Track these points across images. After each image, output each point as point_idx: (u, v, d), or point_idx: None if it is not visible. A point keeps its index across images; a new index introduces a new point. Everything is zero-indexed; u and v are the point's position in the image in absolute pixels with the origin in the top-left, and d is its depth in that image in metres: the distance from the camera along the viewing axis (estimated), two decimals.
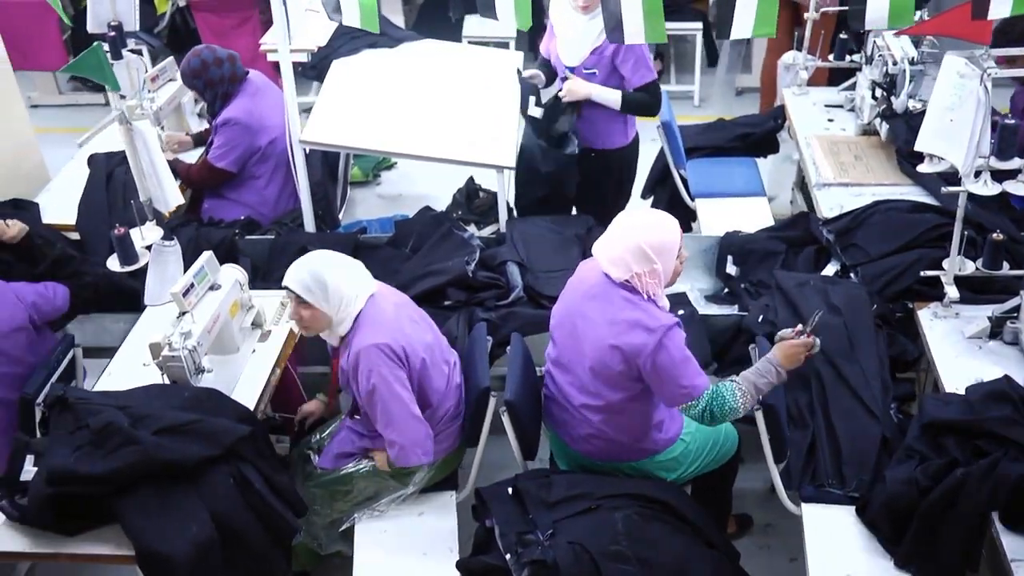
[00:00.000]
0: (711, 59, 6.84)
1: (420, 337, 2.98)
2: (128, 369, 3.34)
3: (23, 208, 4.23)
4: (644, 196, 5.04)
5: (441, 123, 4.29)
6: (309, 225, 4.22)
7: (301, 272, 2.92)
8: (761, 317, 3.48)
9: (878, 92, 4.20)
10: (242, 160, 4.28)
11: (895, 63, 4.09)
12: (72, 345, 3.35)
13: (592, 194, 4.35)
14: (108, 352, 3.81)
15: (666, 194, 4.87)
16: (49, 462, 2.70)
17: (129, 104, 4.38)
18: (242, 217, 4.35)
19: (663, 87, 6.52)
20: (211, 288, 3.27)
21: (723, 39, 5.85)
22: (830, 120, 4.59)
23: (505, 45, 6.27)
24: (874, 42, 4.33)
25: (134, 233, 3.42)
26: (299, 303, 2.94)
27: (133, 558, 2.68)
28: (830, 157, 4.26)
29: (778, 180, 5.28)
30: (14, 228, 3.53)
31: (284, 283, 2.95)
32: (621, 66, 4.01)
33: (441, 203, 4.72)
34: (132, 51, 4.96)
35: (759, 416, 2.98)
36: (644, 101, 4.07)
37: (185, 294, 3.13)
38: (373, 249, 4.12)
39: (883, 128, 4.18)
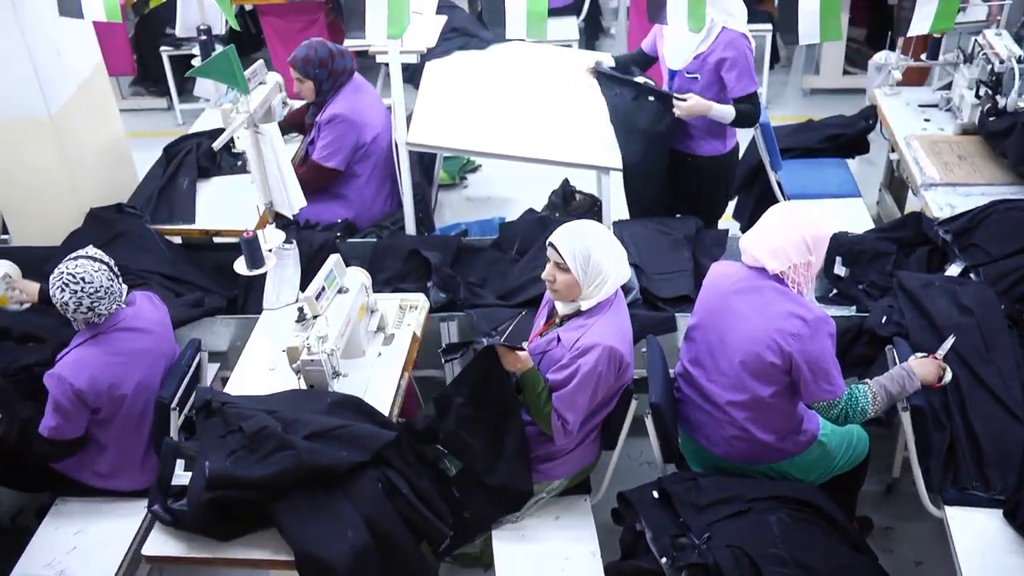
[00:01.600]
0: (775, 59, 6.81)
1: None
2: (254, 373, 3.32)
3: (128, 213, 4.22)
4: (729, 198, 5.01)
5: (540, 124, 4.27)
6: (410, 227, 4.20)
7: (572, 237, 2.90)
8: (885, 318, 3.45)
9: (982, 91, 4.17)
10: (348, 158, 4.26)
11: (1001, 61, 4.06)
12: (198, 349, 3.34)
13: (688, 198, 4.35)
14: (215, 355, 3.83)
15: (753, 196, 4.84)
16: (210, 466, 2.69)
17: (225, 107, 4.42)
18: (339, 220, 4.33)
19: None
20: (339, 292, 3.26)
21: (791, 44, 5.81)
22: (926, 120, 4.56)
23: (568, 46, 6.26)
24: (974, 41, 4.30)
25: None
26: (557, 265, 2.92)
27: (291, 563, 2.67)
28: (932, 157, 4.24)
29: (862, 181, 5.24)
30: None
31: (551, 240, 2.92)
32: (726, 74, 3.99)
33: (528, 205, 4.70)
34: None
35: (905, 417, 2.96)
36: (749, 113, 4.07)
37: (317, 298, 3.12)
38: (476, 252, 4.11)
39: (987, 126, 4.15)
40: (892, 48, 4.73)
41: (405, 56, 4.20)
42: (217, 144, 3.77)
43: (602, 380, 2.88)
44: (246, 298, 4.04)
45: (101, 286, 3.04)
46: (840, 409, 2.86)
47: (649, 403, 3.00)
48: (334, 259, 3.27)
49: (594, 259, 2.87)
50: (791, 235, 2.85)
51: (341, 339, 3.13)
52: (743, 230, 4.44)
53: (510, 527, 3.09)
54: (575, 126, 4.29)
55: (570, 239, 2.90)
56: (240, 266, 3.33)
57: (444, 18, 4.75)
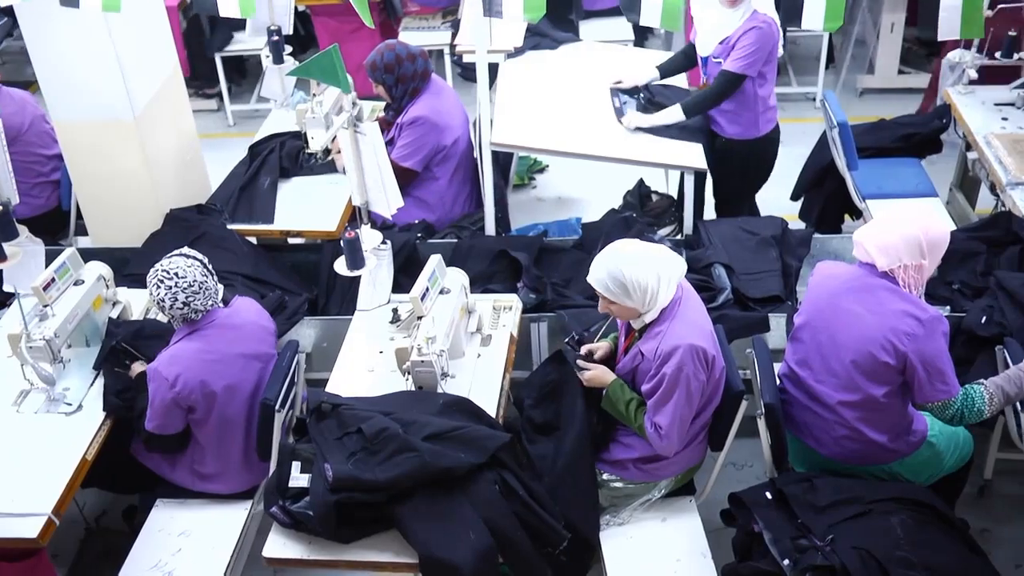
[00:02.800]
0: (829, 60, 6.77)
1: (717, 345, 2.94)
2: (353, 375, 3.31)
3: (207, 213, 4.22)
4: (794, 198, 4.99)
5: (616, 124, 4.25)
6: (490, 228, 4.18)
7: (599, 271, 2.88)
8: (985, 318, 3.43)
9: None
10: (427, 159, 4.24)
11: None
12: (296, 351, 3.32)
13: (718, 180, 4.39)
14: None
15: (822, 196, 4.82)
16: (332, 469, 2.68)
17: (300, 107, 4.42)
18: (415, 221, 4.32)
19: (783, 89, 6.56)
20: (441, 292, 3.24)
21: (929, 37, 5.72)
22: (1004, 119, 4.52)
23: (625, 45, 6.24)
24: None
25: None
26: (604, 298, 2.91)
27: (413, 566, 2.66)
28: (1015, 155, 4.20)
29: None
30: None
31: (588, 279, 2.91)
32: (735, 48, 4.05)
33: (598, 205, 4.69)
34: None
35: None
36: (701, 98, 4.17)
37: (422, 298, 3.11)
38: (559, 252, 4.10)
39: None
40: (967, 47, 4.70)
41: (492, 56, 4.17)
42: (319, 145, 3.77)
43: (691, 379, 2.84)
44: (327, 299, 4.04)
45: (195, 280, 3.05)
46: (956, 410, 2.84)
47: (763, 403, 2.98)
48: (436, 259, 3.26)
49: (629, 280, 2.82)
50: (906, 235, 2.83)
51: (447, 340, 3.11)
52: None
53: (617, 528, 3.07)
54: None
55: (598, 272, 2.88)
56: (340, 267, 3.31)
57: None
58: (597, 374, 2.98)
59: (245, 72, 7.44)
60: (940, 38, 3.15)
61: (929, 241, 2.81)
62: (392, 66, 4.16)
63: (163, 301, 3.05)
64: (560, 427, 3.06)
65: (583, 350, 3.12)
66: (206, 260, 3.18)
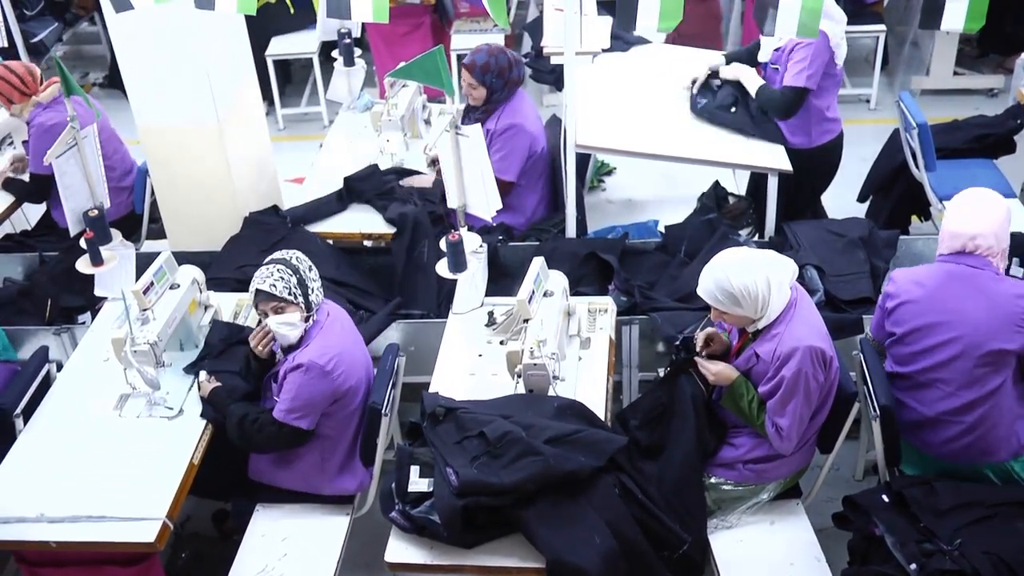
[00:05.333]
0: (884, 62, 6.75)
1: (832, 347, 2.92)
2: (454, 378, 3.30)
3: (281, 215, 4.21)
4: (861, 199, 4.98)
5: (696, 125, 4.24)
6: (571, 231, 4.17)
7: (707, 282, 2.87)
8: None
9: None
10: (521, 168, 4.18)
11: None
12: (397, 354, 3.31)
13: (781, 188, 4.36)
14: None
15: (892, 199, 4.81)
16: (458, 473, 2.66)
17: (375, 110, 4.41)
18: (494, 224, 4.30)
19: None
20: (544, 295, 3.23)
21: (931, 28, 5.73)
22: None
23: None
24: None
25: None
26: (716, 309, 2.91)
27: (540, 571, 2.65)
28: None
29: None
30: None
31: (698, 291, 2.91)
32: (790, 61, 4.09)
33: (670, 207, 4.66)
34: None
35: None
36: (772, 99, 4.20)
37: (528, 301, 3.10)
38: (641, 255, 4.07)
39: None
40: None
41: (580, 57, 4.15)
42: (429, 146, 3.74)
43: (810, 380, 2.83)
44: (407, 301, 4.02)
45: (310, 267, 3.09)
46: None
47: (879, 405, 2.95)
48: (539, 262, 3.25)
49: (737, 288, 2.82)
50: (1003, 215, 2.95)
51: (555, 343, 3.10)
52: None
53: (726, 532, 3.05)
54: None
55: (706, 284, 2.88)
56: (443, 269, 3.30)
57: (610, 19, 4.72)
58: (722, 370, 2.96)
59: (291, 76, 7.45)
60: (943, 28, 3.14)
61: (1005, 219, 2.96)
62: (505, 70, 4.07)
63: (305, 280, 3.02)
64: (666, 449, 3.02)
65: (700, 337, 3.08)
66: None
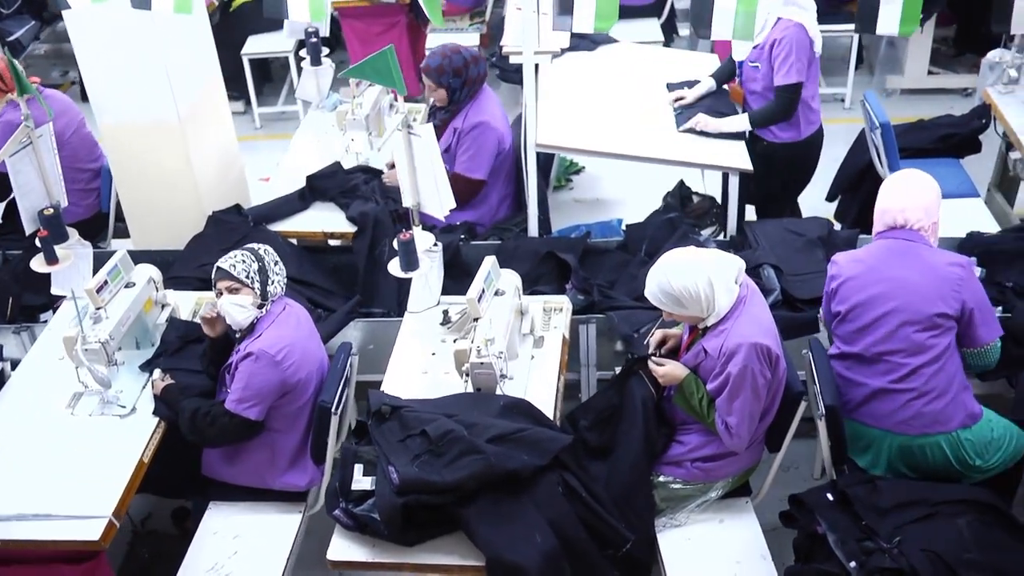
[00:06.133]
0: (857, 61, 6.76)
1: (780, 345, 2.93)
2: (407, 377, 3.30)
3: (245, 215, 4.22)
4: (830, 199, 4.98)
5: (661, 125, 4.25)
6: (534, 230, 4.18)
7: (651, 286, 2.90)
8: None
9: None
10: (490, 166, 4.17)
11: None
12: (350, 353, 3.32)
13: (758, 182, 4.36)
14: None
15: (859, 198, 4.80)
16: (398, 471, 2.67)
17: (340, 109, 4.41)
18: (458, 223, 4.30)
19: None
20: (496, 294, 3.24)
21: (867, 32, 5.76)
22: None
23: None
24: None
25: None
26: (662, 309, 2.93)
27: (481, 569, 2.65)
28: None
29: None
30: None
31: (645, 293, 2.94)
32: (774, 60, 4.09)
33: (637, 206, 4.67)
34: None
35: None
36: (770, 110, 4.19)
37: (478, 300, 3.10)
38: (603, 253, 4.08)
39: None
40: (1006, 46, 4.68)
41: (539, 56, 4.16)
42: (380, 147, 3.75)
43: (757, 377, 2.85)
44: (368, 300, 4.02)
45: (277, 261, 3.14)
46: (997, 354, 3.08)
47: (825, 405, 2.96)
48: (490, 261, 3.26)
49: (678, 290, 2.85)
50: (933, 193, 3.11)
51: (504, 341, 3.11)
52: None
53: (674, 530, 3.06)
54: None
55: (650, 287, 2.93)
56: (395, 268, 3.30)
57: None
58: (671, 370, 2.97)
59: (270, 75, 7.45)
60: (1013, 31, 3.14)
61: (937, 197, 3.12)
62: (461, 69, 4.07)
63: (267, 273, 3.06)
64: (615, 451, 3.04)
65: (655, 337, 3.11)
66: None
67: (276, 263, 3.14)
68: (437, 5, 3.17)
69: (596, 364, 3.77)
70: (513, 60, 4.89)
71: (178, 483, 3.42)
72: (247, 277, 3.02)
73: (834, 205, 5.00)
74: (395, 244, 3.27)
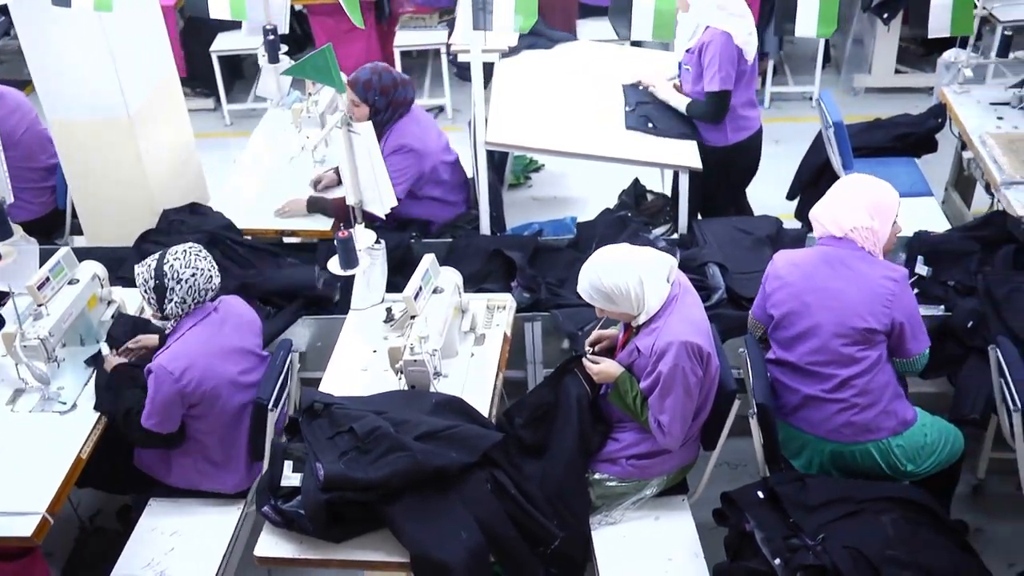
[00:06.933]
0: (825, 59, 6.77)
1: (712, 343, 2.94)
2: (346, 374, 3.32)
3: (200, 213, 4.22)
4: (790, 197, 5.00)
5: (615, 123, 4.26)
6: (485, 228, 4.19)
7: (583, 282, 2.91)
8: (971, 323, 3.45)
9: None
10: (410, 186, 4.13)
11: None
12: (290, 350, 3.33)
13: (699, 184, 4.40)
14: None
15: (818, 196, 4.79)
16: (324, 468, 2.68)
17: (295, 107, 4.41)
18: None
19: (780, 88, 6.57)
20: (434, 291, 3.25)
21: (785, 35, 5.81)
22: (1000, 118, 4.52)
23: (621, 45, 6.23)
24: None
25: None
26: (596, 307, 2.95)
27: (405, 565, 2.67)
28: (1010, 155, 4.21)
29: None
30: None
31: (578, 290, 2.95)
32: (703, 66, 4.16)
33: (595, 204, 4.69)
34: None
35: (1017, 418, 2.94)
36: (701, 109, 4.25)
37: (415, 297, 3.11)
38: (554, 252, 4.10)
39: None
40: (963, 46, 4.70)
41: (487, 55, 4.16)
42: (313, 144, 3.74)
43: (688, 375, 2.86)
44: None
45: (208, 270, 3.09)
46: (925, 361, 3.06)
47: (755, 403, 2.98)
48: (429, 259, 3.27)
49: (610, 288, 2.87)
50: (852, 201, 3.02)
51: (440, 339, 3.12)
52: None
53: (610, 527, 3.07)
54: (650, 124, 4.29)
55: (582, 285, 2.94)
56: (334, 266, 3.31)
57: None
58: (605, 368, 2.98)
59: (242, 72, 7.45)
60: (930, 35, 3.16)
61: (874, 204, 3.00)
62: (388, 88, 4.01)
63: (194, 286, 3.04)
64: (549, 449, 3.05)
65: (591, 337, 3.15)
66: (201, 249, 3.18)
67: (191, 277, 3.03)
68: (356, 5, 3.17)
69: (543, 362, 3.79)
70: (462, 59, 4.90)
71: (121, 479, 3.42)
72: (144, 292, 3.04)
73: (794, 204, 5.03)
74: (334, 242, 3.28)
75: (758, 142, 4.46)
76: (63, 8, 3.37)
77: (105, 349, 3.30)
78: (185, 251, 3.06)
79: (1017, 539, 3.50)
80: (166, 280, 3.01)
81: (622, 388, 2.97)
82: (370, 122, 3.26)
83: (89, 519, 3.85)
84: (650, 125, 4.28)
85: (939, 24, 3.02)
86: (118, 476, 3.40)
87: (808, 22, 2.92)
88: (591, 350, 3.14)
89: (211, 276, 3.09)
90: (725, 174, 4.41)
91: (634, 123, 4.29)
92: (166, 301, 3.03)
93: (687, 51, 4.23)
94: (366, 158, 3.28)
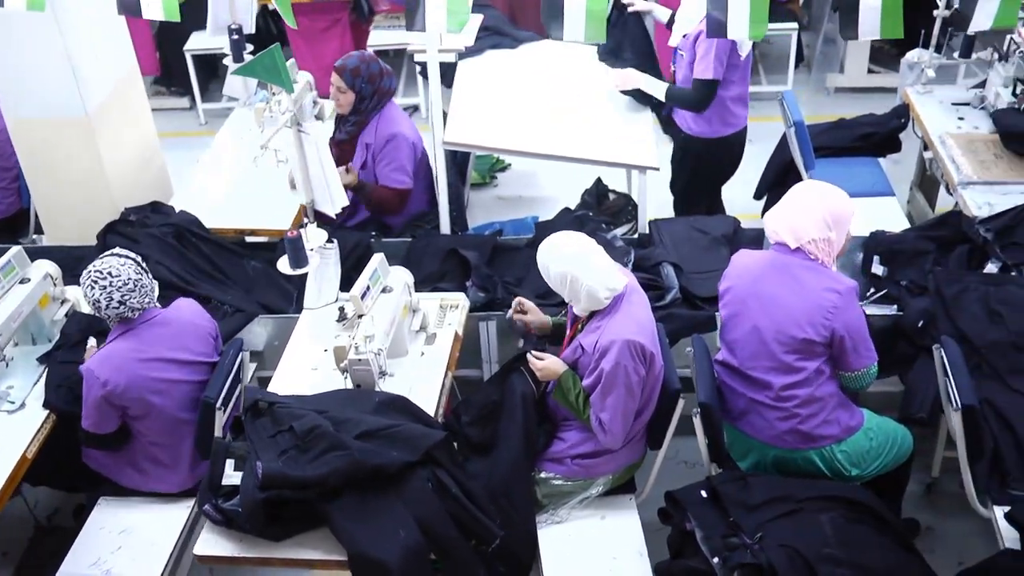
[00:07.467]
0: (798, 59, 6.78)
1: (657, 344, 2.95)
2: (297, 373, 3.32)
3: (162, 211, 4.22)
4: (757, 197, 5.01)
5: (574, 123, 4.27)
6: (445, 227, 4.19)
7: (539, 256, 2.96)
8: (922, 323, 3.46)
9: (1019, 89, 4.16)
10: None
11: None
12: (241, 349, 3.33)
13: (675, 172, 4.48)
14: (252, 355, 3.81)
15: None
16: (262, 466, 2.68)
17: (258, 106, 4.40)
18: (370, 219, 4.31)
19: (754, 88, 6.56)
20: (383, 291, 3.25)
21: (850, 39, 5.79)
22: (960, 119, 4.53)
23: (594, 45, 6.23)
24: (1010, 39, 4.29)
25: None
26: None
27: (343, 563, 2.67)
28: (969, 155, 4.22)
29: (892, 180, 5.22)
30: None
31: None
32: (697, 53, 4.14)
33: (560, 204, 4.69)
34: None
35: (956, 417, 2.95)
36: (685, 95, 4.24)
37: (362, 297, 3.12)
38: (512, 251, 4.10)
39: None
40: (925, 46, 4.71)
41: (443, 55, 4.17)
42: (262, 143, 3.74)
43: (630, 374, 2.87)
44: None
45: (129, 279, 3.06)
46: (872, 377, 3.02)
47: (698, 402, 2.99)
48: (378, 258, 3.27)
49: (556, 274, 2.92)
50: (811, 211, 2.94)
51: (387, 338, 3.12)
52: None
53: (556, 525, 3.08)
54: (609, 125, 4.30)
55: (539, 257, 2.98)
56: (284, 266, 3.32)
57: (480, 16, 4.73)
58: (549, 364, 3.00)
59: (217, 71, 7.44)
60: (860, 38, 3.17)
61: (833, 215, 2.93)
62: (375, 77, 4.05)
63: (98, 302, 3.04)
64: (496, 447, 3.06)
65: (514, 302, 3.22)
66: (139, 258, 3.18)
67: (125, 286, 3.03)
68: (288, 5, 3.17)
69: (498, 361, 3.79)
70: (418, 59, 4.90)
71: (77, 478, 3.42)
72: (86, 297, 3.08)
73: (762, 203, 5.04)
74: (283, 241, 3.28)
75: (742, 140, 4.47)
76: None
77: (92, 342, 3.31)
78: (106, 261, 3.07)
79: (969, 537, 3.51)
80: (96, 289, 3.03)
81: (565, 386, 2.98)
82: (319, 122, 3.26)
83: (47, 518, 3.85)
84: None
85: (869, 27, 3.03)
86: (72, 475, 3.40)
87: (739, 24, 2.93)
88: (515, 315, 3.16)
89: (137, 283, 3.07)
90: (706, 167, 4.43)
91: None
92: (103, 308, 3.05)
93: (684, 36, 4.22)
94: (316, 158, 3.29)
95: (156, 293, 3.20)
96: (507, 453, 3.01)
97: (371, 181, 4.13)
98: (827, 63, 6.79)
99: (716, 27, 2.96)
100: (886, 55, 6.79)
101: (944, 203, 4.85)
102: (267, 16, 7.01)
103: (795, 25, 6.32)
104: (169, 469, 3.20)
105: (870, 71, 6.56)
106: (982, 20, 3.09)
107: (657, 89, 4.29)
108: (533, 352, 3.07)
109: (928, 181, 4.90)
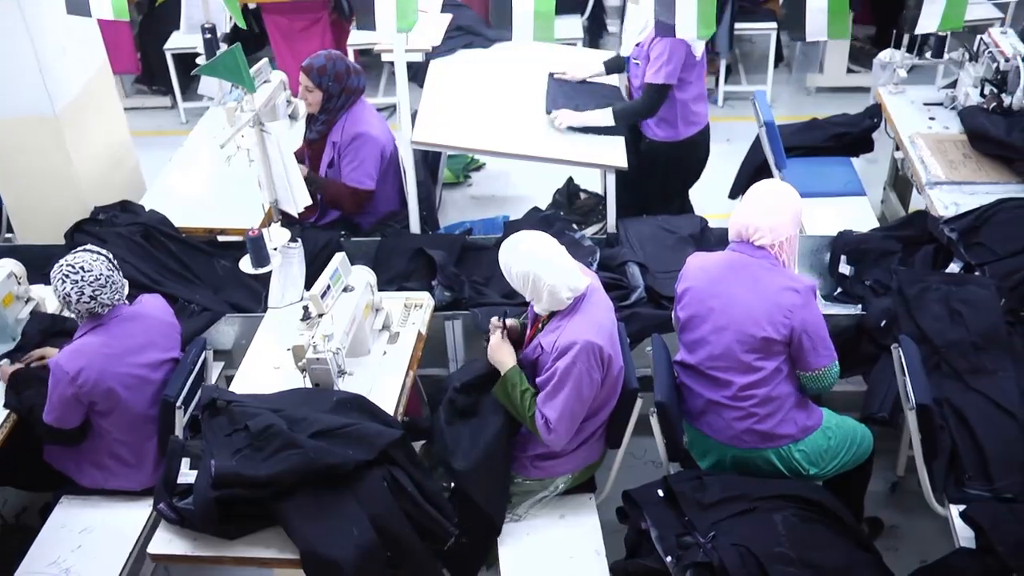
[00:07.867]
0: (778, 59, 6.79)
1: (616, 346, 2.96)
2: (259, 372, 3.32)
3: (131, 210, 4.22)
4: (732, 196, 5.02)
5: (545, 123, 4.27)
6: (415, 226, 4.20)
7: (501, 254, 2.96)
8: (884, 323, 3.47)
9: (987, 89, 4.16)
10: (379, 173, 4.16)
11: (1006, 60, 4.06)
12: (204, 348, 3.34)
13: (637, 179, 4.43)
14: (219, 354, 3.82)
15: None
16: (215, 465, 2.69)
17: (229, 106, 4.41)
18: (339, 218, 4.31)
19: (733, 87, 6.58)
20: (344, 290, 3.26)
21: (798, 40, 5.81)
22: (931, 118, 4.54)
23: (572, 45, 6.23)
24: (980, 39, 4.30)
25: None
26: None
27: (296, 562, 2.67)
28: (938, 155, 4.23)
29: (866, 179, 5.23)
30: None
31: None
32: (652, 58, 4.11)
33: (533, 203, 4.70)
34: None
35: (911, 416, 2.96)
36: (633, 108, 4.23)
37: (322, 296, 3.12)
38: (481, 250, 4.11)
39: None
40: (897, 46, 4.72)
41: (410, 55, 4.17)
42: (221, 143, 3.74)
43: (583, 376, 2.87)
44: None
45: (101, 274, 3.08)
46: (832, 379, 3.02)
47: (655, 401, 3.00)
48: (339, 258, 3.27)
49: (517, 273, 2.93)
50: (784, 210, 3.01)
51: (347, 338, 3.13)
52: None
53: (514, 525, 3.09)
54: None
55: (501, 256, 2.98)
56: (246, 265, 3.32)
57: (449, 16, 4.74)
58: (501, 351, 3.03)
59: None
60: (808, 39, 3.19)
61: (799, 213, 3.04)
62: (342, 75, 4.05)
63: (69, 296, 3.06)
64: (479, 416, 3.07)
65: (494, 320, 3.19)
66: (110, 255, 3.19)
67: (94, 282, 3.05)
68: (237, 6, 3.18)
69: (464, 360, 3.80)
70: (385, 58, 4.90)
71: (41, 478, 3.42)
72: (56, 292, 3.09)
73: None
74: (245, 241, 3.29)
75: (707, 138, 4.46)
76: None
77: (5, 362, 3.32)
78: (78, 256, 3.09)
79: (932, 535, 3.52)
80: (68, 283, 3.04)
81: (510, 382, 2.99)
82: (282, 122, 3.26)
83: (15, 516, 3.85)
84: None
85: (816, 28, 3.04)
86: (36, 474, 3.41)
87: (688, 24, 2.93)
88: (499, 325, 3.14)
89: (108, 279, 3.09)
90: (676, 170, 4.43)
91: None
92: (73, 303, 3.07)
93: (637, 45, 4.21)
94: (278, 158, 3.29)
95: (126, 291, 3.21)
96: (493, 424, 3.03)
97: (338, 179, 4.13)
98: (807, 63, 6.79)
99: (664, 29, 2.96)
100: (867, 55, 6.80)
101: (917, 203, 4.85)
102: (249, 15, 7.01)
103: (775, 25, 6.33)
104: (133, 468, 3.21)
105: (849, 71, 6.57)
106: (928, 22, 3.09)
107: (600, 118, 4.20)
108: (505, 322, 3.09)
109: (901, 181, 4.91)
